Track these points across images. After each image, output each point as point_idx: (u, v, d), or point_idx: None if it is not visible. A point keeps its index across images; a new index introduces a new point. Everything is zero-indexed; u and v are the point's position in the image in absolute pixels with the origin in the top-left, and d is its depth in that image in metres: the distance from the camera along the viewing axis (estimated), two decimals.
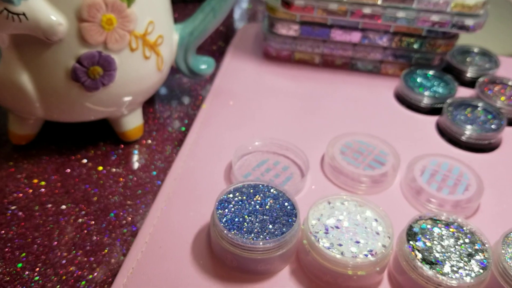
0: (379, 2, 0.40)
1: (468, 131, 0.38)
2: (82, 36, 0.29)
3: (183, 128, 0.40)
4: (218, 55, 0.49)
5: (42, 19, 0.28)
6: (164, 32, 0.34)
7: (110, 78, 0.32)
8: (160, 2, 0.34)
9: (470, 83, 0.45)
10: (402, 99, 0.42)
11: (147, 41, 0.33)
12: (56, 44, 0.29)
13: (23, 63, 0.30)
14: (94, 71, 0.31)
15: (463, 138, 0.38)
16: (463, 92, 0.44)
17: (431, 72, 0.44)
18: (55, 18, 0.28)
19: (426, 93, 0.41)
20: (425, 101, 0.41)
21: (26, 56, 0.30)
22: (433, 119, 0.41)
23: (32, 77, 0.30)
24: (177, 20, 0.38)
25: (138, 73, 0.33)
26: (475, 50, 0.48)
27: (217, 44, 0.52)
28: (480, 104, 0.40)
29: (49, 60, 0.30)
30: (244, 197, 0.29)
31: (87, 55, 0.30)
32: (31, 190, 0.33)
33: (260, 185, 0.30)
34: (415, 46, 0.43)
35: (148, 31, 0.32)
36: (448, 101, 0.40)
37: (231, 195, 0.29)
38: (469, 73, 0.45)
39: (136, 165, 0.36)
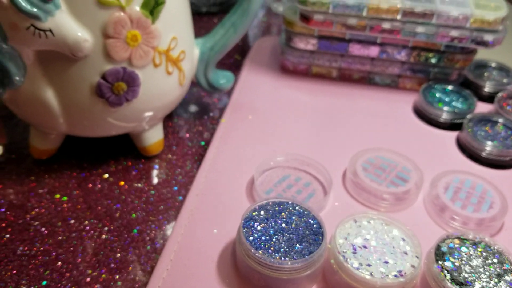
0: (399, 17, 0.40)
1: (489, 147, 0.38)
2: (107, 52, 0.29)
3: (203, 143, 0.40)
4: (234, 68, 0.49)
5: (69, 36, 0.28)
6: (186, 48, 0.34)
7: (134, 94, 0.32)
8: (183, 18, 0.34)
9: (488, 98, 0.45)
10: (421, 114, 0.42)
11: (170, 56, 0.33)
12: (81, 60, 0.29)
13: (48, 79, 0.30)
14: (118, 87, 0.31)
15: (484, 154, 0.38)
16: (482, 107, 0.44)
17: (449, 87, 0.44)
18: (81, 35, 0.28)
19: (446, 108, 0.41)
20: (445, 116, 0.41)
21: (51, 72, 0.30)
22: (452, 135, 0.41)
23: (57, 93, 0.30)
24: (197, 38, 0.38)
25: (161, 88, 0.33)
26: (492, 64, 0.48)
27: (233, 57, 0.52)
28: (500, 120, 0.40)
29: (74, 76, 0.30)
30: (270, 215, 0.29)
31: (112, 71, 0.30)
32: (53, 206, 0.33)
33: (285, 203, 0.30)
34: (433, 60, 0.43)
35: (171, 47, 0.32)
36: (468, 116, 0.40)
37: (256, 213, 0.29)
38: (487, 88, 0.45)
39: (157, 180, 0.36)
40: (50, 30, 0.27)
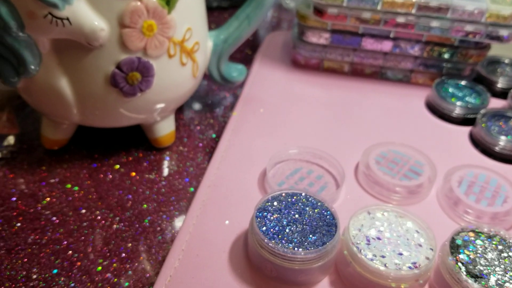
0: (414, 11, 0.39)
1: (503, 142, 0.37)
2: (123, 41, 0.29)
3: (214, 135, 0.40)
4: (245, 63, 0.49)
5: (85, 24, 0.28)
6: (200, 39, 0.34)
7: (148, 84, 0.31)
8: (198, 9, 0.34)
9: (501, 94, 0.45)
10: (433, 109, 0.42)
11: (185, 47, 0.33)
12: (97, 49, 0.29)
13: (63, 68, 0.30)
14: (133, 77, 0.31)
15: (497, 149, 0.37)
16: (495, 103, 0.43)
17: (462, 82, 0.43)
18: (98, 24, 0.28)
19: (459, 103, 0.41)
20: (457, 111, 0.41)
21: (66, 61, 0.30)
22: (465, 130, 0.41)
23: (71, 82, 0.30)
24: (211, 30, 0.38)
25: (174, 79, 0.33)
26: (506, 61, 0.48)
27: (244, 52, 0.52)
28: None
29: (88, 65, 0.30)
30: (283, 206, 0.29)
31: (126, 61, 0.30)
32: (64, 195, 0.33)
33: (298, 194, 0.30)
34: (446, 55, 0.43)
35: (186, 38, 0.32)
36: (482, 111, 0.40)
37: (269, 203, 0.29)
38: (500, 84, 0.45)
39: (168, 172, 0.36)
40: (67, 19, 0.27)
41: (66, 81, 0.30)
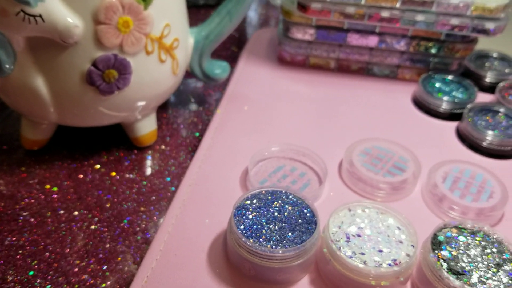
0: (398, 5, 0.39)
1: (490, 137, 0.37)
2: (98, 38, 0.29)
3: (197, 134, 0.39)
4: (231, 60, 0.49)
5: (59, 21, 0.27)
6: (180, 36, 0.34)
7: (125, 82, 0.31)
8: (177, 5, 0.33)
9: (490, 89, 0.44)
10: (420, 104, 0.42)
11: (163, 44, 0.32)
12: (72, 47, 0.29)
13: (38, 66, 0.30)
14: (109, 74, 0.30)
15: (484, 144, 0.37)
16: (483, 97, 0.43)
17: (449, 77, 0.43)
18: (72, 20, 0.28)
19: (445, 98, 0.40)
20: (444, 106, 0.40)
21: (41, 59, 0.29)
22: (452, 125, 0.40)
23: (47, 80, 0.30)
24: (191, 27, 0.37)
25: (153, 76, 0.33)
26: (494, 55, 0.47)
27: (230, 49, 0.51)
28: (501, 110, 0.39)
29: (64, 63, 0.29)
30: (262, 204, 0.28)
31: (102, 58, 0.29)
32: (43, 196, 0.33)
33: (278, 192, 0.29)
34: (433, 50, 0.43)
35: (164, 34, 0.32)
36: (469, 106, 0.39)
37: (248, 202, 0.28)
38: (488, 78, 0.44)
39: (149, 171, 0.35)
40: (40, 16, 0.27)
41: (41, 80, 0.30)
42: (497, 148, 0.37)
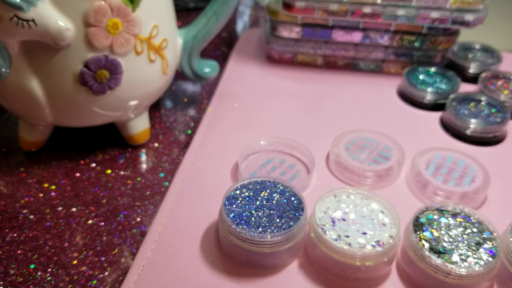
0: (379, 1, 0.40)
1: (473, 125, 0.38)
2: (89, 40, 0.30)
3: (189, 131, 0.41)
4: (222, 60, 0.50)
5: (51, 25, 0.29)
6: (168, 36, 0.35)
7: (117, 82, 0.32)
8: (164, 6, 0.34)
9: (473, 79, 0.45)
10: (405, 97, 0.43)
11: (152, 44, 0.33)
12: (64, 49, 0.30)
13: (33, 69, 0.31)
14: (101, 74, 0.31)
15: (468, 132, 0.38)
16: (466, 88, 0.44)
17: (433, 69, 0.44)
18: (63, 24, 0.29)
19: (429, 89, 0.42)
20: (428, 97, 0.41)
21: (35, 62, 0.31)
22: (436, 115, 0.41)
23: (42, 82, 0.31)
24: (180, 28, 0.39)
25: (143, 76, 0.34)
26: (477, 46, 0.48)
27: (221, 49, 0.53)
28: (483, 98, 0.41)
29: (57, 65, 0.31)
30: (251, 193, 0.29)
31: (94, 59, 0.31)
32: (41, 194, 0.34)
33: (267, 182, 0.30)
34: (416, 44, 0.44)
35: (153, 35, 0.33)
36: (451, 96, 0.40)
37: (238, 192, 0.30)
38: (472, 69, 0.46)
39: (143, 168, 0.37)
40: (33, 20, 0.28)
41: (36, 82, 0.31)
42: (480, 135, 0.38)
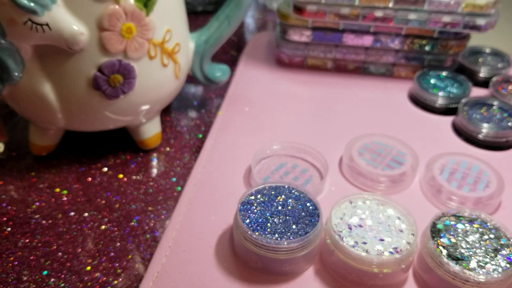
0: (391, 5, 0.40)
1: (485, 130, 0.38)
2: (102, 45, 0.30)
3: (200, 135, 0.40)
4: (231, 64, 0.50)
5: (65, 29, 0.28)
6: (181, 40, 0.35)
7: (130, 86, 0.32)
8: (177, 11, 0.34)
9: (483, 83, 0.45)
10: (416, 101, 0.43)
11: (165, 49, 0.33)
12: (78, 53, 0.30)
13: (46, 73, 0.31)
14: (114, 79, 0.31)
15: (480, 136, 0.38)
16: (477, 92, 0.44)
17: (444, 73, 0.44)
18: (77, 28, 0.29)
19: (441, 93, 0.42)
20: (440, 101, 0.41)
21: (48, 66, 0.30)
22: (448, 119, 0.41)
23: (55, 87, 0.31)
24: (192, 32, 0.38)
25: (156, 80, 0.34)
26: (487, 50, 0.48)
27: (230, 53, 0.52)
28: (495, 103, 0.40)
29: (71, 70, 0.30)
30: (266, 199, 0.29)
31: (107, 64, 0.31)
32: (53, 199, 0.34)
33: (282, 187, 0.30)
34: (427, 48, 0.44)
35: (166, 39, 0.33)
36: (463, 100, 0.40)
37: (253, 197, 0.29)
38: (482, 73, 0.45)
39: (155, 172, 0.36)
40: (47, 24, 0.28)
41: (49, 86, 0.31)
42: (493, 140, 0.38)
